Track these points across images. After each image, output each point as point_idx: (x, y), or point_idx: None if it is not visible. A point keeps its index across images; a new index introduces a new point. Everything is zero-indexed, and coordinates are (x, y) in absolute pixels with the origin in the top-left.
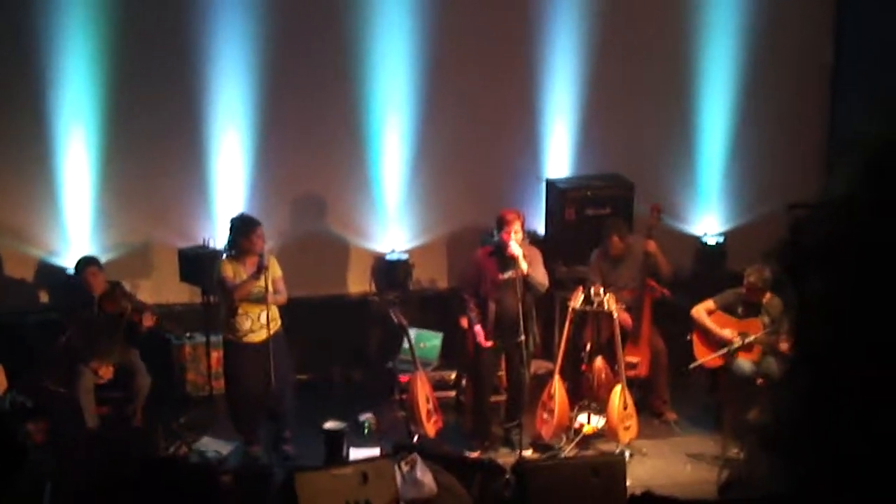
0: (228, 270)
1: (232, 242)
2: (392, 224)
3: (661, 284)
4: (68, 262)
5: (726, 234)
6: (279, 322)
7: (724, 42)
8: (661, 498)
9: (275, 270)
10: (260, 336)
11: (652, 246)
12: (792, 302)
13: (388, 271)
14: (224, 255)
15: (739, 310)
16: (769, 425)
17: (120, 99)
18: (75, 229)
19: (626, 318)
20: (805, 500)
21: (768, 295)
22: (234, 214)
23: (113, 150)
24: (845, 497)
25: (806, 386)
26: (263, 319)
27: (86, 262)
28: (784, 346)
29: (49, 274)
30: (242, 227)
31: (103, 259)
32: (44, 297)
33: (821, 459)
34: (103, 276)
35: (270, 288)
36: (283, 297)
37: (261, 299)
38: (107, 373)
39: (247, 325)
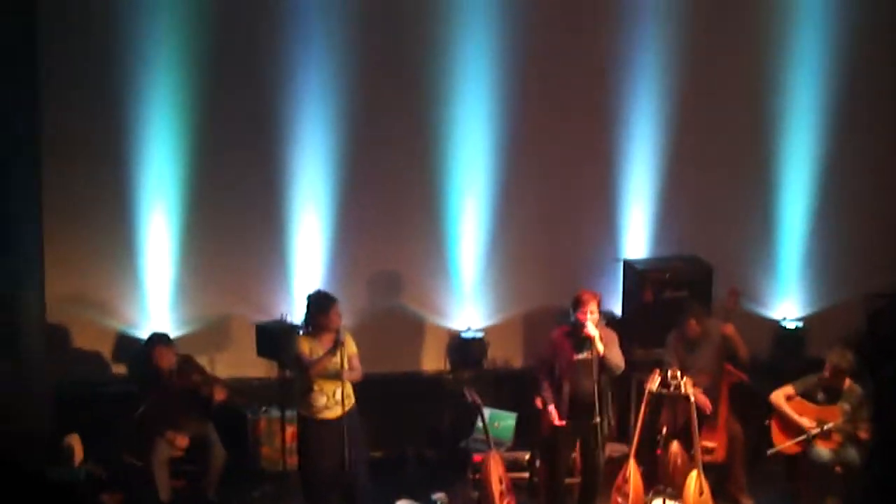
0: (305, 346)
1: (309, 319)
2: (468, 302)
3: (738, 369)
4: (146, 334)
5: (805, 320)
6: (353, 399)
7: (806, 122)
8: None
9: (350, 347)
10: (335, 413)
11: (730, 329)
12: (870, 390)
13: (464, 349)
14: (300, 332)
15: (819, 396)
16: None
17: (201, 175)
18: (155, 302)
19: (705, 402)
20: None
21: (848, 381)
22: (311, 291)
23: (193, 225)
24: None
25: (883, 473)
26: (338, 396)
27: (154, 341)
28: (864, 434)
29: (127, 346)
30: (320, 304)
31: (181, 332)
32: (121, 369)
33: None
34: (172, 352)
35: (346, 365)
36: (357, 374)
37: (336, 376)
38: (183, 441)
39: (322, 401)
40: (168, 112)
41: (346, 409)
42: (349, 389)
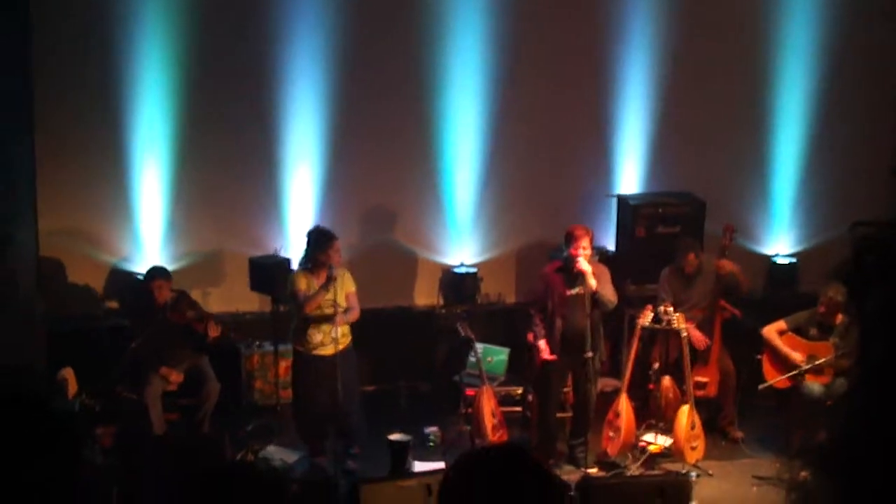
0: (302, 283)
1: (308, 255)
2: (461, 238)
3: (734, 304)
4: (141, 268)
5: (798, 256)
6: (350, 338)
7: (798, 64)
8: None
9: (348, 285)
10: (329, 350)
11: (731, 265)
12: (855, 319)
13: (457, 285)
14: (299, 267)
15: (811, 331)
16: (830, 444)
17: (194, 110)
18: (148, 237)
19: (700, 337)
20: None
21: (840, 316)
22: (311, 227)
23: (186, 159)
24: None
25: (865, 401)
26: (334, 334)
27: (153, 274)
28: (848, 363)
29: (120, 280)
30: (319, 241)
31: (174, 267)
32: (115, 303)
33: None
34: (169, 287)
35: (341, 305)
36: (355, 314)
37: (331, 318)
38: (177, 378)
39: (318, 338)
40: (161, 49)
41: (342, 347)
42: (346, 328)
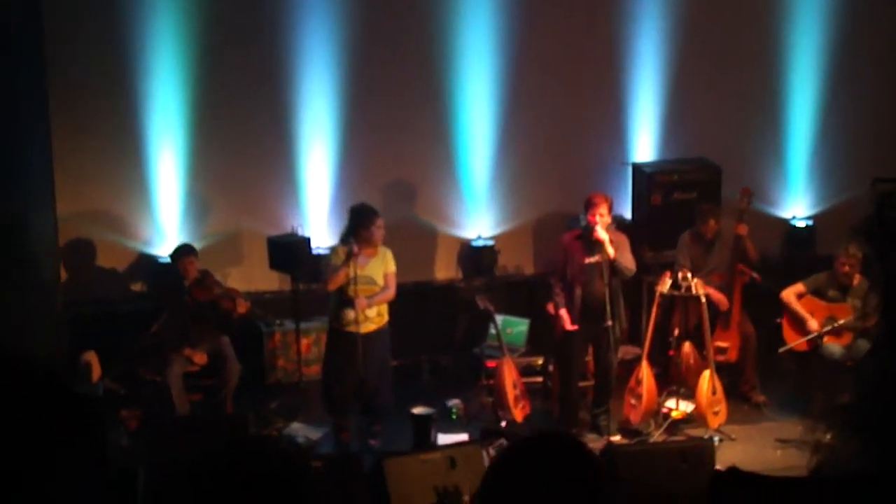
0: (338, 256)
1: (351, 230)
2: (478, 210)
3: (751, 268)
4: (161, 251)
5: (815, 218)
6: (386, 318)
7: (811, 22)
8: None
9: (388, 265)
10: (364, 328)
11: (744, 230)
12: (877, 279)
13: (475, 257)
14: (339, 242)
15: (830, 293)
16: (854, 404)
17: (210, 93)
18: (167, 219)
19: (721, 297)
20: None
21: (858, 277)
22: (356, 204)
23: (203, 140)
24: None
25: (890, 359)
26: (370, 313)
27: (184, 251)
28: (871, 323)
29: (142, 263)
30: (363, 217)
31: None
32: (136, 287)
33: None
34: (198, 265)
35: (378, 284)
36: (389, 294)
37: (369, 293)
38: (201, 359)
39: (351, 315)
40: (177, 30)
41: (375, 326)
42: (383, 308)
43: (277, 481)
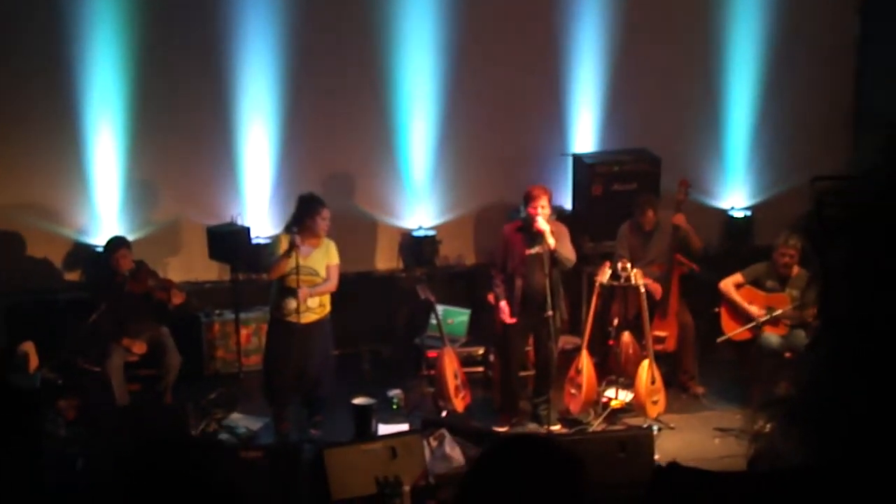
0: (280, 246)
1: (297, 220)
2: (419, 201)
3: (691, 259)
4: (98, 240)
5: (753, 208)
6: (328, 308)
7: (749, 16)
8: (687, 469)
9: (332, 257)
10: (305, 318)
11: (682, 220)
12: (817, 273)
13: (416, 248)
14: (283, 230)
15: (768, 283)
16: (795, 396)
17: (148, 78)
18: (105, 208)
19: (657, 287)
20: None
21: (797, 268)
22: (304, 193)
23: (141, 130)
24: (872, 463)
25: (829, 354)
26: (311, 303)
27: (117, 244)
28: (811, 318)
29: (79, 253)
30: (309, 207)
31: (132, 238)
32: (74, 276)
33: (845, 426)
34: (132, 257)
35: (320, 275)
36: (331, 285)
37: (311, 284)
38: (140, 349)
39: (292, 305)
40: (114, 16)
41: (317, 316)
42: (325, 299)
43: (197, 480)
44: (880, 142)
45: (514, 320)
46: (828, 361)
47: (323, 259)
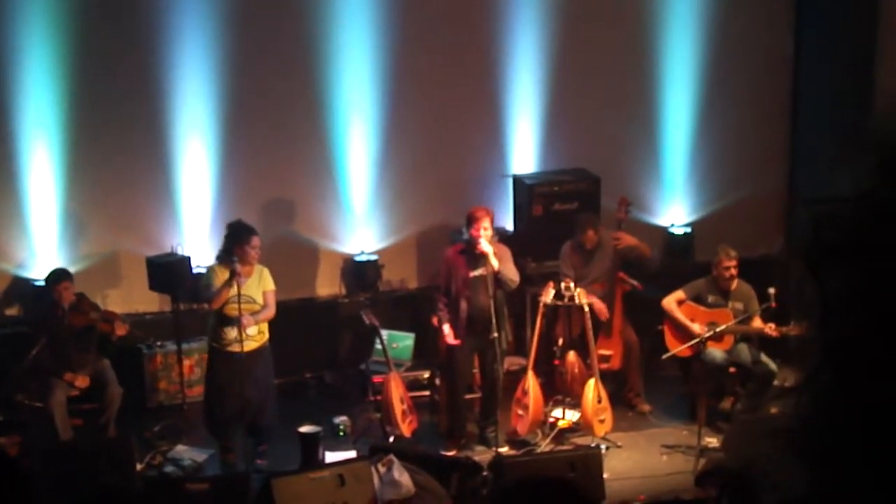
0: (216, 276)
1: (227, 249)
2: (360, 225)
3: (634, 275)
4: (36, 274)
5: (693, 225)
6: (266, 336)
7: (685, 34)
8: None
9: (266, 283)
10: (247, 346)
11: (628, 238)
12: (809, 298)
13: (358, 273)
14: (216, 261)
15: (710, 298)
16: (795, 428)
17: (82, 109)
18: (42, 241)
19: (602, 307)
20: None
21: (736, 282)
22: (233, 221)
23: (77, 160)
24: (876, 495)
25: (830, 382)
26: (251, 331)
27: (59, 276)
28: (771, 331)
29: (16, 287)
30: (238, 235)
31: (72, 270)
32: (12, 311)
33: (849, 456)
34: (73, 290)
35: (258, 303)
36: (268, 313)
37: (249, 311)
38: (83, 382)
39: (232, 334)
40: (44, 46)
41: (257, 345)
42: (263, 326)
43: None
44: (872, 163)
45: (458, 342)
46: (829, 390)
47: (258, 286)
